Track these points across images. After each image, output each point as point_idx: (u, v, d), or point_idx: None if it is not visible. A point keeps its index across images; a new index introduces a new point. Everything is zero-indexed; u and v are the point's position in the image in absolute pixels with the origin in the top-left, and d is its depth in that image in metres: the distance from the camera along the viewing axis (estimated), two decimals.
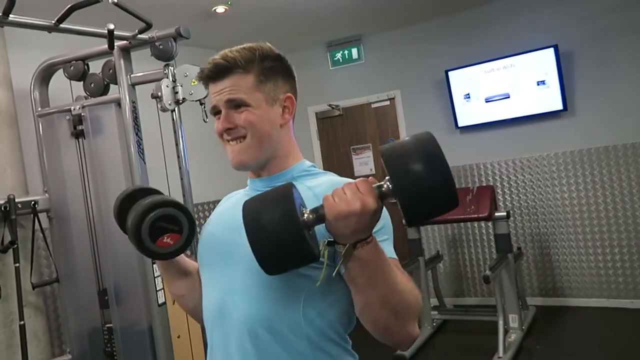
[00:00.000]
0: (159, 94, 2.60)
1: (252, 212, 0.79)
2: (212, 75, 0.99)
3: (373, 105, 4.77)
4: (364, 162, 4.82)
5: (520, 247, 4.12)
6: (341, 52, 4.80)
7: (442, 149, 0.76)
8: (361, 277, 0.81)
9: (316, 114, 4.96)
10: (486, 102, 4.21)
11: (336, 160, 4.93)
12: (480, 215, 3.51)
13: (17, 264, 2.70)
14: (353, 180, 0.82)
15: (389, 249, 0.93)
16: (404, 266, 3.41)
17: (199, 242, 1.10)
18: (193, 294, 1.12)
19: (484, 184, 4.27)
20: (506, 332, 3.51)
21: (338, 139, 4.93)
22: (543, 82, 3.96)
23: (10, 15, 2.09)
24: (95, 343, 2.86)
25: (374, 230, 0.85)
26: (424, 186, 0.72)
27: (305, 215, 0.77)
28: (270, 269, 0.80)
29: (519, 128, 4.19)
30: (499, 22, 4.21)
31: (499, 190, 4.31)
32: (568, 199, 4.10)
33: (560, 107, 3.94)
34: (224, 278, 0.99)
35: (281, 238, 0.75)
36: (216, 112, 1.01)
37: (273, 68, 1.02)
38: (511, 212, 4.25)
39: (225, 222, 1.07)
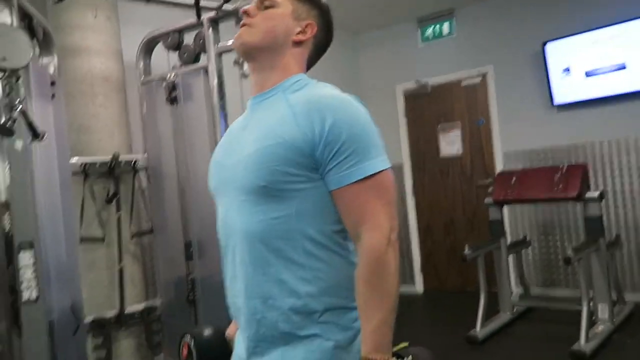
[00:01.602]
0: (240, 60, 2.79)
1: None
2: None
3: (463, 83, 4.62)
4: (451, 141, 4.69)
5: (619, 235, 3.77)
6: (432, 27, 4.69)
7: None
8: None
9: (404, 92, 4.92)
10: (588, 76, 3.89)
11: (422, 139, 4.86)
12: (569, 195, 3.27)
13: (119, 213, 3.08)
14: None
15: (368, 167, 0.96)
16: (485, 245, 3.20)
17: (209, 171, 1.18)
18: None
19: None
20: (594, 323, 3.27)
21: (425, 118, 4.84)
22: None
23: None
24: (179, 291, 3.16)
25: (346, 152, 0.95)
26: None
27: None
28: None
29: (627, 105, 3.81)
30: None
31: (599, 174, 3.97)
32: None
33: None
34: (225, 197, 1.08)
35: None
36: None
37: (314, 1, 1.13)
38: (611, 196, 3.91)
39: (223, 147, 1.16)
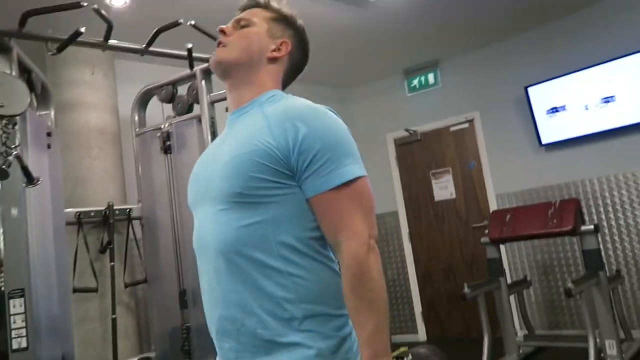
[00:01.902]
0: None
1: None
2: (244, 7, 1.18)
3: (451, 129, 4.74)
4: (444, 186, 4.74)
5: (620, 270, 3.73)
6: (418, 78, 4.89)
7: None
8: None
9: (395, 140, 5.03)
10: (571, 115, 4.01)
11: (415, 186, 4.90)
12: (564, 229, 3.27)
13: (113, 263, 3.05)
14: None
15: (344, 174, 0.97)
16: (484, 284, 3.15)
17: (190, 183, 1.17)
18: None
19: None
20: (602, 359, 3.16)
21: (416, 164, 4.92)
22: (634, 90, 3.69)
23: (109, 41, 2.51)
24: (174, 341, 3.07)
25: (320, 162, 0.95)
26: None
27: None
28: None
29: (611, 142, 3.90)
30: (580, 32, 4.05)
31: (592, 210, 3.99)
32: None
33: None
34: (202, 209, 1.08)
35: None
36: None
37: (289, 22, 1.17)
38: (608, 232, 3.90)
39: (201, 162, 1.17)
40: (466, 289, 3.27)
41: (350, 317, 0.97)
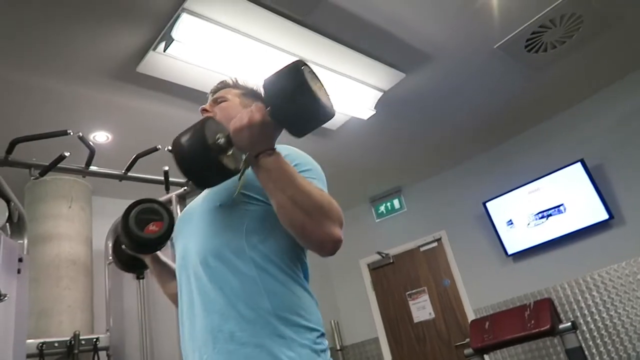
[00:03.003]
0: None
1: (177, 144, 1.02)
2: (216, 89, 1.42)
3: (422, 249, 4.88)
4: (421, 306, 4.71)
5: None
6: (384, 204, 5.16)
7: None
8: (269, 182, 1.00)
9: (368, 265, 5.10)
10: (531, 224, 4.23)
11: (393, 309, 4.85)
12: (542, 329, 3.24)
13: None
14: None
15: (320, 185, 1.12)
16: None
17: (176, 225, 1.32)
18: None
19: None
20: None
21: (392, 287, 4.93)
22: (581, 196, 3.99)
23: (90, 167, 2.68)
24: None
25: (301, 169, 1.10)
26: (288, 101, 0.96)
27: (219, 139, 1.01)
28: (197, 183, 1.02)
29: (573, 246, 4.07)
30: (524, 150, 4.48)
31: (569, 315, 3.99)
32: None
33: (605, 216, 3.88)
34: (185, 234, 1.22)
35: (196, 160, 0.98)
36: None
37: (256, 95, 1.42)
38: (589, 335, 3.86)
39: (198, 199, 1.30)
40: None
41: None
